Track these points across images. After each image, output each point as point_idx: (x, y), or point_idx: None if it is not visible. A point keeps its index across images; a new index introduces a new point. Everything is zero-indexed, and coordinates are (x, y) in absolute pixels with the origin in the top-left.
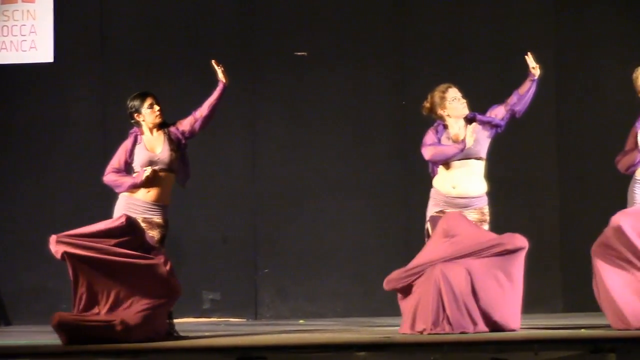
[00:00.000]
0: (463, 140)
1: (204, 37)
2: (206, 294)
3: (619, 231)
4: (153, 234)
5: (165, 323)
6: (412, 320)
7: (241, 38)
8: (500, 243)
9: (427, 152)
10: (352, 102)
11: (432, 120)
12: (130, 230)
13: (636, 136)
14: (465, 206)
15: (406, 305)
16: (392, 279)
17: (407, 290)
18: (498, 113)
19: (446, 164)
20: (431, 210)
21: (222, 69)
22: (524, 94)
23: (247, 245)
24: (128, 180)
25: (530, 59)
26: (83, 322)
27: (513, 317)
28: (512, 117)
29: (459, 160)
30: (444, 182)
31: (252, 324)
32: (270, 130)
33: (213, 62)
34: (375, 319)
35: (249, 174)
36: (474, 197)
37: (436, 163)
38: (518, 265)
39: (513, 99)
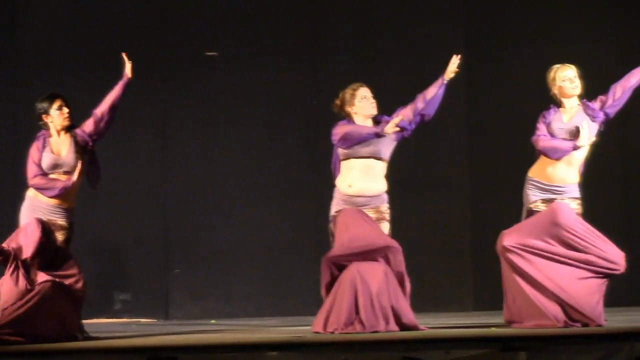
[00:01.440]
0: (381, 124)
1: (116, 37)
2: (117, 294)
3: (507, 250)
4: (57, 236)
5: (75, 323)
6: (325, 320)
7: (152, 38)
8: (387, 246)
9: (341, 129)
10: (263, 102)
11: (343, 118)
12: (46, 236)
13: (546, 124)
14: (363, 205)
15: (324, 304)
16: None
17: (329, 289)
18: (404, 115)
19: (347, 160)
20: (332, 210)
21: (131, 64)
22: (432, 98)
23: (158, 245)
24: (59, 183)
25: (454, 62)
26: None
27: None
28: (422, 122)
29: (358, 158)
30: (343, 181)
31: (163, 324)
32: (181, 130)
33: (124, 55)
34: (287, 319)
35: (159, 174)
36: (370, 196)
37: (347, 142)
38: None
39: (420, 104)
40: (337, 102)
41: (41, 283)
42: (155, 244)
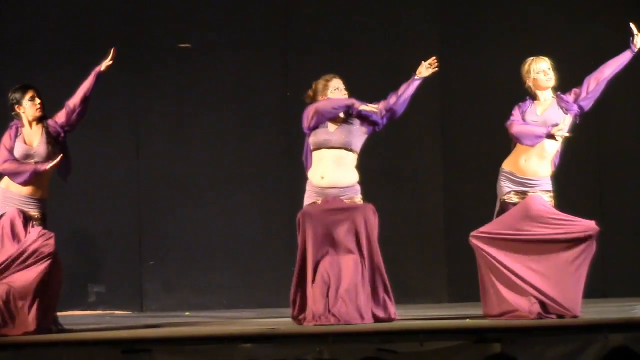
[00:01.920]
0: (357, 102)
1: (89, 29)
2: (91, 286)
3: (479, 249)
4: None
5: (51, 316)
6: (300, 312)
7: (124, 30)
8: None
9: (311, 107)
10: (236, 94)
11: None
12: (28, 225)
13: (521, 113)
14: (337, 196)
15: (301, 296)
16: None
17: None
18: (379, 110)
19: (318, 151)
20: (305, 203)
21: (112, 63)
22: (403, 94)
23: (132, 237)
24: (29, 168)
25: (431, 62)
26: None
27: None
28: (391, 118)
29: (329, 148)
30: (315, 172)
31: (137, 317)
32: (154, 122)
33: (113, 50)
34: (261, 311)
35: (133, 166)
36: (344, 187)
37: (320, 116)
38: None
39: (392, 100)
40: (310, 92)
41: (29, 280)
42: (129, 236)
